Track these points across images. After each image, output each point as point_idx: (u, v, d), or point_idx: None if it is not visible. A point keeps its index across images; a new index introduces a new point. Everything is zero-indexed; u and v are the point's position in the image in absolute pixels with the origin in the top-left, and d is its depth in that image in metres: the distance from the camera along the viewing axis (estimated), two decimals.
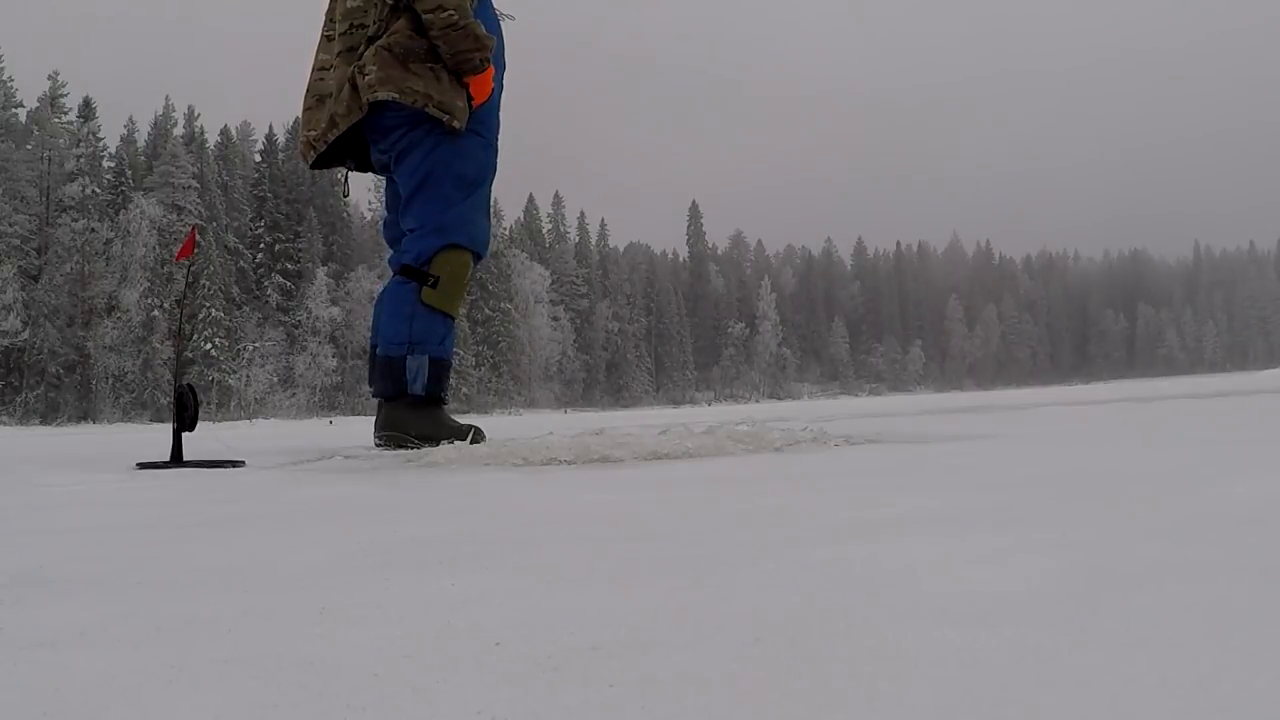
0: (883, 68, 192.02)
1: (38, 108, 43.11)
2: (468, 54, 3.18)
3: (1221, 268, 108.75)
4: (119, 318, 40.06)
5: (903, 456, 2.22)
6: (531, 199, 65.19)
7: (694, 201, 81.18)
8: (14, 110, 43.14)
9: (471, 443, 2.95)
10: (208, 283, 41.35)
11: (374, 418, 3.39)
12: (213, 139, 52.08)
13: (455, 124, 3.19)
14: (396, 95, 3.15)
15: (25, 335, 38.18)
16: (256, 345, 43.81)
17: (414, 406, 3.25)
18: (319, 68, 3.33)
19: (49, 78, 44.00)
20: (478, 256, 3.36)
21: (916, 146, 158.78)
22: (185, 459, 2.78)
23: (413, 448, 3.00)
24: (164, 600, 0.86)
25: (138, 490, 2.12)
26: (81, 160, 42.26)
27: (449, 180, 3.26)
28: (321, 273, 47.83)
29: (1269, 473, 1.60)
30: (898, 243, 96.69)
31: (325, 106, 3.26)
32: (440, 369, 3.28)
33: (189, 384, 2.89)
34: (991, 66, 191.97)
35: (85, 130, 43.59)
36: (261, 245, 49.72)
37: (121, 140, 47.53)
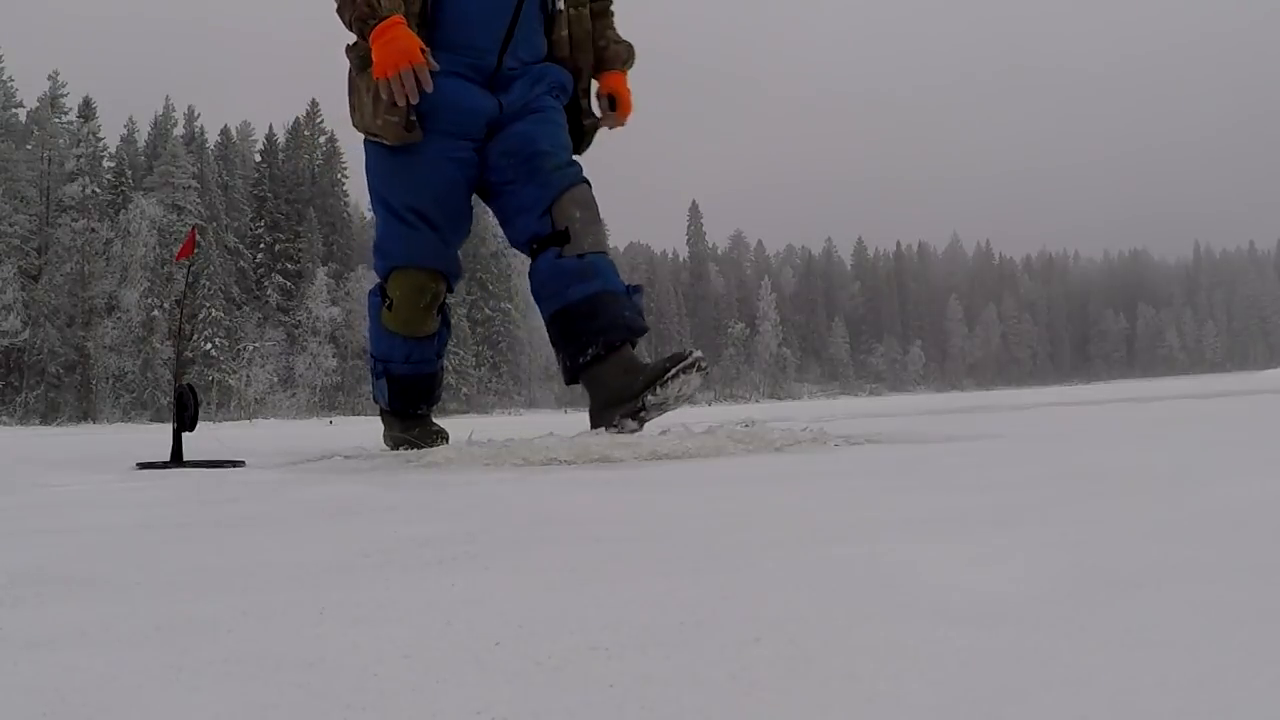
0: (883, 68, 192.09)
1: (38, 108, 43.10)
2: (348, 24, 2.87)
3: (1221, 268, 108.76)
4: (119, 318, 40.05)
5: (903, 456, 2.22)
6: None
7: (694, 201, 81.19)
8: (14, 110, 43.14)
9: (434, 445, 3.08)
10: (208, 283, 41.36)
11: (372, 419, 3.56)
12: (213, 139, 52.07)
13: (355, 127, 3.01)
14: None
15: (25, 335, 38.17)
16: (256, 345, 43.80)
17: (388, 415, 3.36)
18: None
19: (49, 78, 44.02)
20: (434, 273, 3.07)
21: (916, 146, 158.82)
22: (185, 459, 2.78)
23: (405, 449, 3.10)
24: (164, 600, 0.86)
25: (138, 490, 2.12)
26: (81, 160, 42.25)
27: (373, 200, 3.13)
28: (321, 273, 47.83)
29: (1269, 473, 1.60)
30: (898, 243, 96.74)
31: None
32: (405, 385, 3.26)
33: (189, 384, 2.89)
34: (992, 67, 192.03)
35: (85, 130, 43.58)
36: (261, 245, 49.70)
37: (121, 140, 47.53)
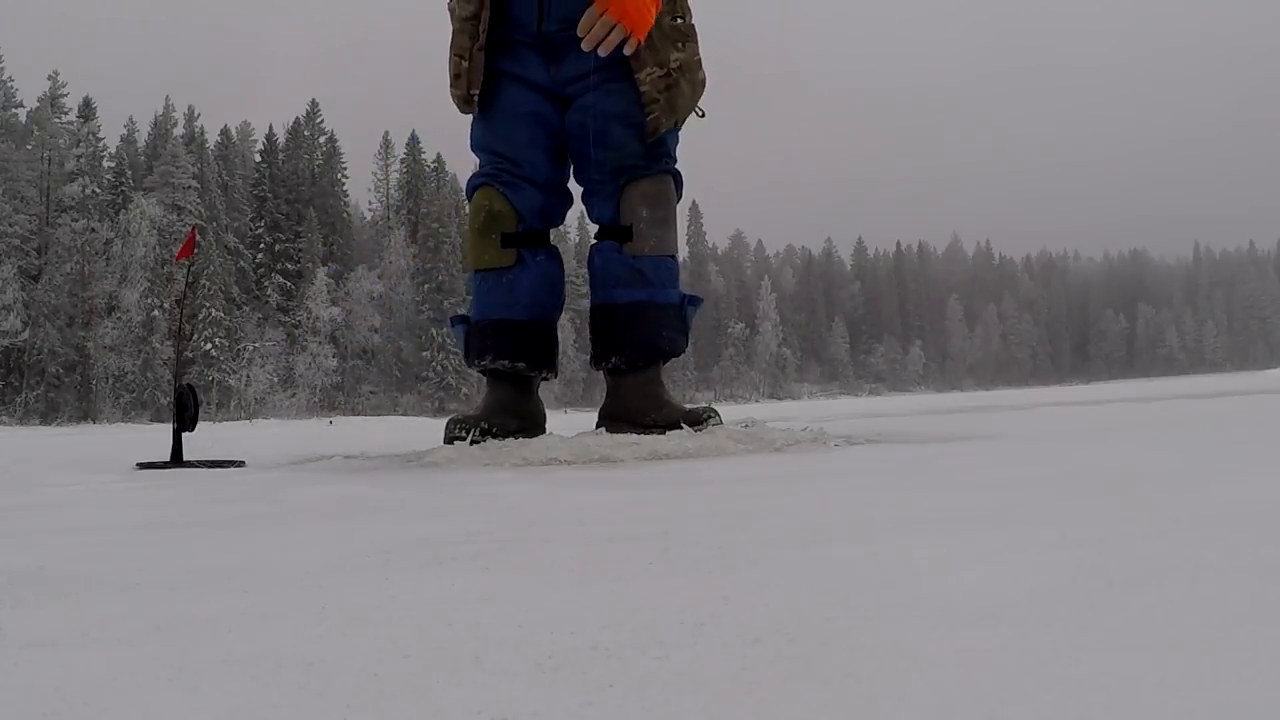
0: (883, 68, 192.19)
1: (38, 108, 43.14)
2: None
3: (1221, 268, 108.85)
4: (119, 318, 40.09)
5: (903, 456, 2.22)
6: None
7: (694, 201, 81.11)
8: (14, 110, 43.15)
9: (469, 441, 2.80)
10: (208, 283, 41.39)
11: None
12: (213, 139, 52.08)
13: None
14: None
15: (25, 335, 38.20)
16: (256, 345, 43.82)
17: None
18: None
19: (49, 78, 44.08)
20: (500, 196, 2.90)
21: (916, 146, 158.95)
22: (185, 459, 2.78)
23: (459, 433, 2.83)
24: (164, 600, 0.86)
25: (137, 490, 2.11)
26: (81, 160, 42.30)
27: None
28: (321, 273, 47.81)
29: (1269, 473, 1.60)
30: (898, 243, 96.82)
31: None
32: (475, 329, 2.96)
33: (189, 384, 2.89)
34: (992, 67, 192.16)
35: (85, 130, 43.63)
36: (261, 245, 49.73)
37: (121, 140, 47.57)
